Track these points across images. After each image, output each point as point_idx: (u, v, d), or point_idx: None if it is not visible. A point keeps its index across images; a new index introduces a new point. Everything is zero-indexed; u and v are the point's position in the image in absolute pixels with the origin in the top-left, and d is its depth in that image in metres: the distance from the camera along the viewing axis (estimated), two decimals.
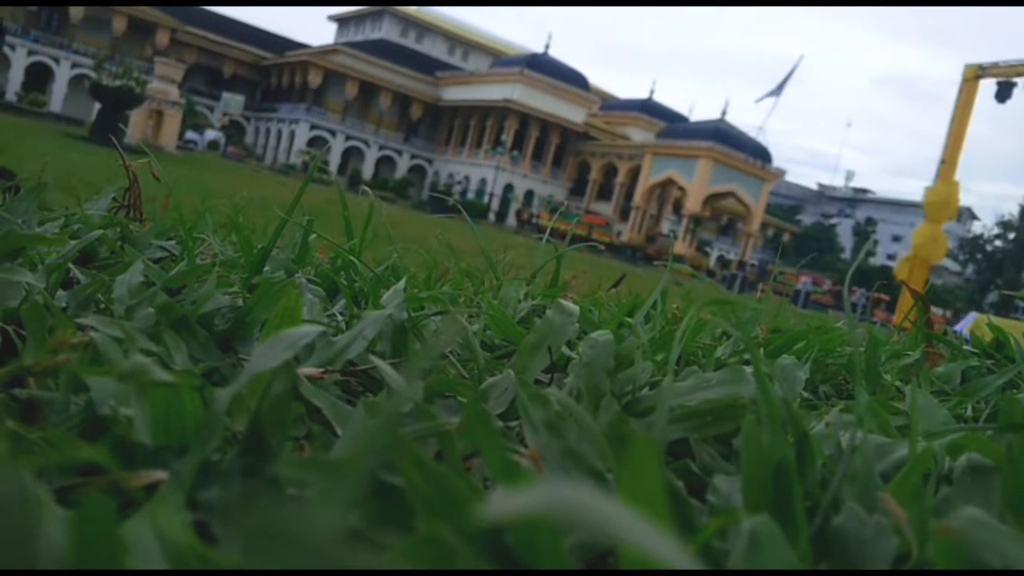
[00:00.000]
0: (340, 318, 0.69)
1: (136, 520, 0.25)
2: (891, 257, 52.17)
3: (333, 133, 40.95)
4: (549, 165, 42.14)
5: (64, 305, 0.56)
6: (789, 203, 61.57)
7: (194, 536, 0.25)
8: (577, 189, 42.64)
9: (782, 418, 0.36)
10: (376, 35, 47.60)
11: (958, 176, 14.19)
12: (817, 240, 50.30)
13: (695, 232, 36.47)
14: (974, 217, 55.83)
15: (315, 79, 40.63)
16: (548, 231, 1.37)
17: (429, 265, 1.10)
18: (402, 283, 0.66)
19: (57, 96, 36.40)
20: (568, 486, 0.17)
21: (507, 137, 39.52)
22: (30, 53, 36.71)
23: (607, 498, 0.16)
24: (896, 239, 56.37)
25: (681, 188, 36.73)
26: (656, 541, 0.15)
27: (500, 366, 0.60)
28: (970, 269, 46.16)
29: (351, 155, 42.26)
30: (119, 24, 38.32)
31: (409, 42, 47.48)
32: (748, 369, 0.47)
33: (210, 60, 43.61)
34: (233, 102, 42.45)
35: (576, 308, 0.63)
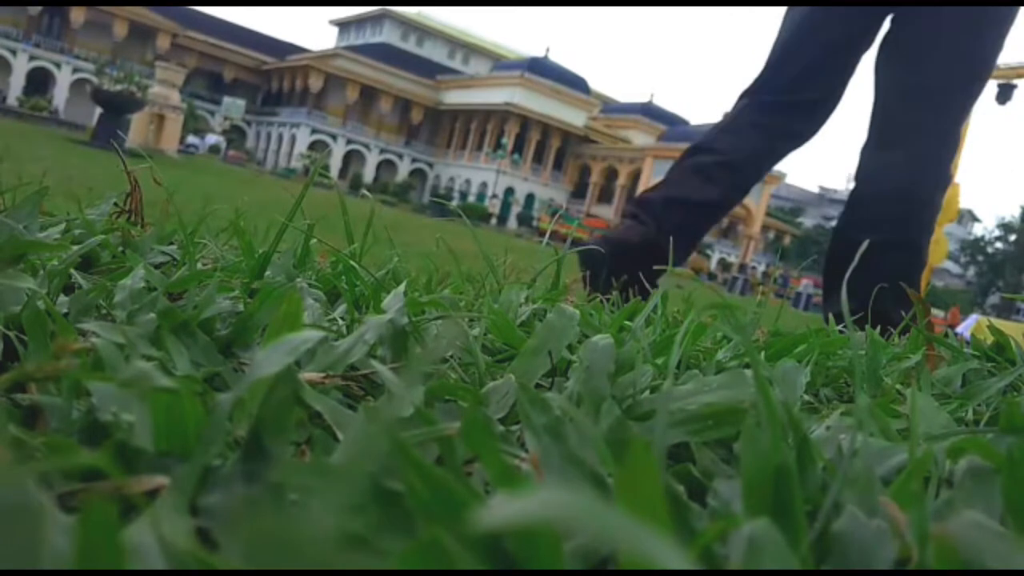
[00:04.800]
0: (341, 322, 0.69)
1: (138, 525, 0.25)
2: None
3: (334, 137, 41.01)
4: (550, 168, 42.19)
5: (66, 311, 0.56)
6: (790, 205, 61.56)
7: (196, 541, 0.25)
8: (578, 192, 42.68)
9: (782, 422, 0.36)
10: (377, 39, 47.68)
11: (959, 178, 14.18)
12: (818, 243, 50.28)
13: None
14: (975, 219, 55.82)
15: (316, 83, 40.69)
16: (548, 234, 1.37)
17: (430, 269, 1.10)
18: (403, 287, 0.66)
19: (58, 100, 36.46)
20: (566, 491, 0.17)
21: (508, 140, 39.56)
22: (31, 58, 36.77)
23: (606, 503, 0.17)
24: None
25: None
26: (654, 545, 0.15)
27: (501, 370, 0.60)
28: (971, 271, 46.14)
29: (352, 159, 42.31)
30: (120, 29, 38.40)
31: (410, 46, 47.54)
32: (749, 373, 0.47)
33: (211, 64, 43.69)
34: (234, 106, 42.50)
35: (577, 312, 0.63)
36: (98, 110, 15.91)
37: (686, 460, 0.43)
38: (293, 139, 40.78)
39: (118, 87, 14.34)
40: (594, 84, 45.26)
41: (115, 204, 1.00)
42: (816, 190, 71.16)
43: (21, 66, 36.38)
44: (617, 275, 1.09)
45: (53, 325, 0.47)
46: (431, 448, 0.37)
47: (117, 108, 14.31)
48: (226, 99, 42.73)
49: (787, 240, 45.89)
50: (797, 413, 0.46)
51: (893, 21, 1.82)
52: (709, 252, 41.44)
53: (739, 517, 0.31)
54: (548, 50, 43.02)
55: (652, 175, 37.17)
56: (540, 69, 41.21)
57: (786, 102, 1.87)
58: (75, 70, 36.85)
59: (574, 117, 41.45)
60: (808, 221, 59.78)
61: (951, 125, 1.77)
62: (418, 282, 1.03)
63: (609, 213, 39.44)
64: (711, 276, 30.75)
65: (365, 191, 1.06)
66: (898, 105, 1.79)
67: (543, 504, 0.16)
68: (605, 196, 41.70)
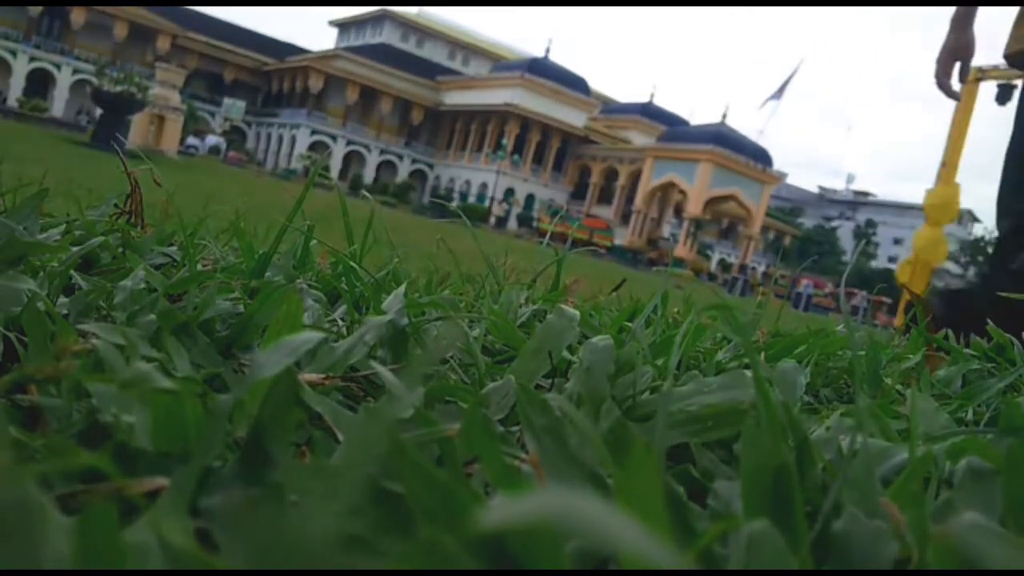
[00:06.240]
0: (341, 323, 0.69)
1: (138, 527, 0.25)
2: (892, 260, 52.11)
3: (334, 138, 41.04)
4: (550, 169, 42.20)
5: (66, 312, 0.56)
6: (790, 206, 61.64)
7: (196, 543, 0.25)
8: (578, 193, 42.69)
9: (782, 423, 0.36)
10: (377, 40, 47.69)
11: (959, 178, 14.17)
12: (818, 243, 50.33)
13: (696, 235, 36.48)
14: (975, 219, 55.79)
15: (316, 84, 40.69)
16: (548, 235, 1.37)
17: (430, 270, 1.10)
18: (403, 288, 0.66)
19: (58, 102, 36.50)
20: (566, 492, 0.17)
21: (508, 141, 39.56)
22: (31, 59, 36.80)
23: (605, 504, 0.17)
24: (897, 242, 56.45)
25: (682, 191, 36.78)
26: (652, 546, 0.15)
27: (501, 371, 0.60)
28: (971, 272, 46.11)
29: (352, 160, 42.33)
30: (120, 30, 38.43)
31: (410, 47, 47.56)
32: (749, 373, 0.47)
33: (211, 65, 43.69)
34: (234, 107, 42.53)
35: (577, 313, 0.63)
36: (98, 111, 15.89)
37: (686, 461, 0.43)
38: (293, 140, 40.78)
39: (118, 88, 14.33)
40: (594, 84, 45.27)
41: (115, 205, 1.00)
42: (816, 190, 71.18)
43: (21, 67, 36.40)
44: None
45: (53, 326, 0.47)
46: (431, 449, 0.37)
47: (117, 109, 14.30)
48: (226, 100, 42.75)
49: (787, 241, 45.90)
50: (797, 414, 0.46)
51: None
52: (709, 253, 41.45)
53: (739, 518, 0.31)
54: (548, 51, 43.02)
55: (652, 175, 37.18)
56: (540, 70, 41.21)
57: None
58: (75, 71, 36.87)
59: (574, 118, 41.45)
60: (808, 222, 59.80)
61: None
62: (418, 283, 1.03)
63: (609, 213, 39.45)
64: (711, 277, 30.75)
65: (365, 192, 1.06)
66: None
67: (543, 505, 0.16)
68: (605, 197, 41.69)
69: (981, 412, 0.71)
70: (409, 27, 47.76)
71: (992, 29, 2.04)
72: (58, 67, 37.20)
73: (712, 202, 36.60)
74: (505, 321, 0.72)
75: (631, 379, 0.54)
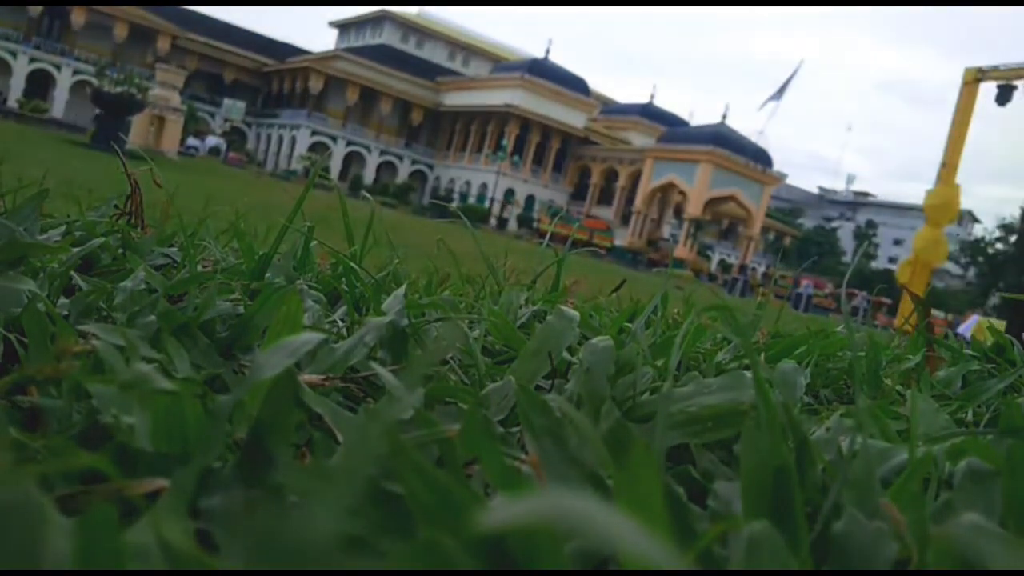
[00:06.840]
0: (341, 324, 0.69)
1: (138, 528, 0.25)
2: (892, 260, 52.11)
3: (334, 139, 41.03)
4: (550, 170, 42.18)
5: (66, 313, 0.56)
6: (790, 207, 61.66)
7: (196, 544, 0.25)
8: (578, 194, 42.67)
9: (782, 423, 0.36)
10: (377, 41, 47.69)
11: (959, 179, 14.20)
12: (818, 244, 50.35)
13: (696, 236, 36.48)
14: (975, 220, 55.78)
15: (316, 85, 40.70)
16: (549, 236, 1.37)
17: (430, 271, 1.10)
18: (403, 289, 0.66)
19: (59, 103, 36.50)
20: (566, 493, 0.17)
21: (508, 142, 39.55)
22: (31, 60, 36.81)
23: (605, 505, 0.17)
24: (897, 242, 56.49)
25: (682, 192, 36.78)
26: (652, 546, 0.15)
27: (501, 372, 0.60)
28: (972, 272, 46.12)
29: (352, 161, 42.32)
30: (120, 31, 38.44)
31: (410, 48, 47.57)
32: (748, 374, 0.47)
33: (211, 66, 43.68)
34: (234, 108, 42.52)
35: (577, 314, 0.63)
36: (97, 112, 15.89)
37: (686, 462, 0.43)
38: (293, 141, 40.78)
39: (118, 89, 14.33)
40: (594, 85, 45.22)
41: (115, 206, 1.00)
42: (816, 191, 71.21)
43: (21, 68, 36.41)
44: None
45: (53, 327, 0.47)
46: (431, 450, 0.37)
47: (117, 110, 14.30)
48: (226, 101, 42.73)
49: (787, 241, 45.90)
50: (797, 415, 0.46)
51: None
52: (709, 254, 41.44)
53: (739, 518, 0.31)
54: (548, 52, 43.02)
55: (652, 176, 37.18)
56: (540, 70, 41.21)
57: None
58: (75, 72, 36.88)
59: (574, 118, 41.44)
60: (808, 222, 59.81)
61: None
62: (418, 284, 1.03)
63: (609, 214, 39.43)
64: (711, 277, 30.74)
65: (365, 193, 1.06)
66: None
67: (543, 506, 0.16)
68: (605, 197, 41.68)
69: (981, 413, 0.71)
70: (409, 28, 47.76)
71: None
72: (58, 68, 37.20)
73: (712, 203, 36.60)
74: (505, 322, 0.72)
75: (631, 380, 0.54)
